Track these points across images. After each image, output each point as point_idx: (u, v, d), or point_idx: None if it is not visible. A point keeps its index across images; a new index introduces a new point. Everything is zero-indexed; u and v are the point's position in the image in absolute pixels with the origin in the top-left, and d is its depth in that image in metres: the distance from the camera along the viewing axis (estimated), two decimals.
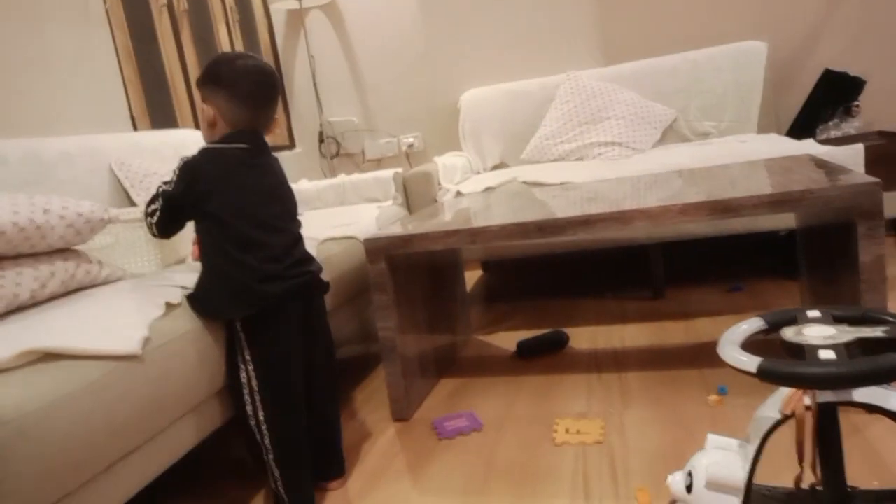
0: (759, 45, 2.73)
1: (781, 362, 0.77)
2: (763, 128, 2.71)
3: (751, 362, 0.79)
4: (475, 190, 2.45)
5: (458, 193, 2.47)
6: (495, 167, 3.06)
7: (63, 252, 1.30)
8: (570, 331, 2.10)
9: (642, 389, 1.64)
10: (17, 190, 1.52)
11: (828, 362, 0.75)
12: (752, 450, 0.85)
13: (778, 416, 0.81)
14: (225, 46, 3.00)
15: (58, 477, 0.90)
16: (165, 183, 1.28)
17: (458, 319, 2.17)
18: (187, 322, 1.20)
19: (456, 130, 3.16)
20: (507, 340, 2.14)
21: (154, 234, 1.31)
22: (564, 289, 2.71)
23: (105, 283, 1.38)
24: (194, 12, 2.80)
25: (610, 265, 2.96)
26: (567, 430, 1.48)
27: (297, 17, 3.37)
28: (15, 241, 1.17)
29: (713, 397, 1.52)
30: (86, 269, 1.33)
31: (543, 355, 1.99)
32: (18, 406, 0.86)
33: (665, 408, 1.52)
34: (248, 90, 1.27)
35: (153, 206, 1.28)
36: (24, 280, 1.19)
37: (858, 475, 1.14)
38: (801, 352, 0.79)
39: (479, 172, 3.04)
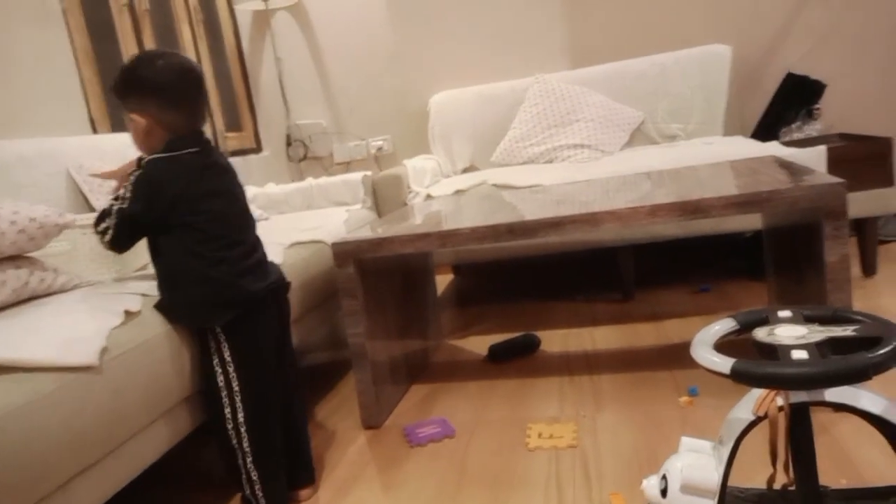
0: (724, 48, 2.77)
1: (755, 363, 0.76)
2: (729, 130, 2.75)
3: (724, 364, 0.78)
4: (445, 193, 2.43)
5: (428, 196, 2.46)
6: (465, 170, 3.05)
7: (15, 259, 1.24)
8: (541, 334, 2.09)
9: (614, 392, 1.64)
10: None
11: (801, 362, 0.75)
12: (725, 452, 0.85)
13: (751, 418, 0.81)
14: (188, 47, 2.94)
15: (11, 494, 0.85)
16: (116, 199, 1.20)
17: (429, 324, 2.15)
18: (147, 330, 1.16)
19: (425, 133, 3.14)
20: (478, 344, 2.13)
21: (109, 250, 1.25)
22: (535, 292, 2.70)
23: (61, 290, 1.33)
24: (156, 12, 2.73)
25: (580, 268, 2.97)
26: (540, 435, 1.47)
27: (262, 19, 3.32)
28: None
29: (684, 398, 1.53)
30: (40, 276, 1.27)
31: (515, 359, 1.98)
32: None
33: (637, 410, 1.52)
34: (180, 91, 1.21)
35: (104, 224, 1.21)
36: None
37: (827, 474, 1.14)
38: (773, 352, 0.79)
39: (448, 175, 3.03)
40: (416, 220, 1.84)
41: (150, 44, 2.66)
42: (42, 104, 2.11)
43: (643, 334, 2.02)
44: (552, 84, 2.88)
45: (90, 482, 1.02)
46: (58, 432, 0.93)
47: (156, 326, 1.17)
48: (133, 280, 1.39)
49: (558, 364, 1.89)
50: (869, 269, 2.23)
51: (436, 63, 3.22)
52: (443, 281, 3.12)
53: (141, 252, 1.53)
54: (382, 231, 1.67)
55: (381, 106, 3.33)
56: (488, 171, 2.80)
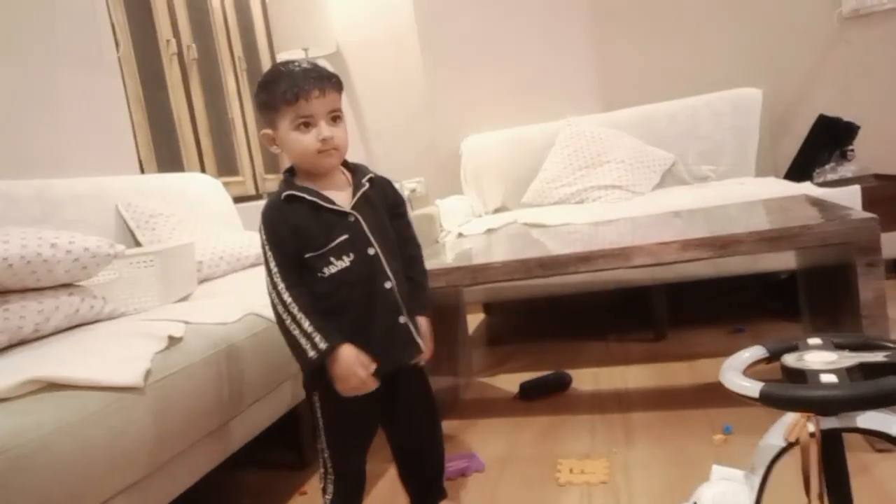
0: (755, 91, 2.79)
1: (783, 386, 0.77)
2: (761, 172, 2.75)
3: (753, 387, 0.79)
4: (477, 231, 2.47)
5: (460, 235, 2.50)
6: (497, 210, 3.09)
7: (68, 287, 1.31)
8: (572, 372, 2.09)
9: (647, 429, 1.62)
10: (27, 226, 1.54)
11: (830, 385, 0.75)
12: (757, 480, 0.84)
13: (782, 444, 0.80)
14: (232, 95, 3.08)
15: None
16: None
17: (459, 361, 2.16)
18: (190, 356, 1.20)
19: (458, 175, 3.20)
20: (509, 382, 2.12)
21: None
22: (567, 331, 2.70)
23: (109, 318, 1.39)
24: (203, 61, 2.88)
25: (612, 307, 2.96)
26: (571, 471, 1.46)
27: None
28: (21, 275, 1.18)
29: (719, 436, 1.50)
30: (90, 304, 1.34)
31: (546, 397, 1.97)
32: (17, 434, 0.86)
33: (670, 447, 1.50)
34: None
35: None
36: (27, 313, 1.19)
37: None
38: (802, 376, 0.79)
39: (480, 216, 3.07)
40: (448, 256, 1.87)
41: (196, 91, 2.80)
42: (94, 145, 2.23)
43: (676, 374, 2.00)
44: (583, 126, 2.93)
45: (131, 501, 1.05)
46: (103, 450, 0.97)
47: (198, 352, 1.22)
48: (174, 308, 1.44)
49: (590, 402, 1.87)
50: None
51: (468, 107, 3.31)
52: (474, 320, 3.13)
53: (182, 282, 1.60)
54: None
55: (415, 149, 3.42)
56: (519, 210, 2.84)
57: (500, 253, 1.74)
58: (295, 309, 1.06)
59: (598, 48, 3.11)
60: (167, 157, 2.58)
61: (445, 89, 3.34)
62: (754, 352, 0.91)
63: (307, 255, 1.09)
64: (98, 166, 2.19)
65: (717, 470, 0.91)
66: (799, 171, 2.74)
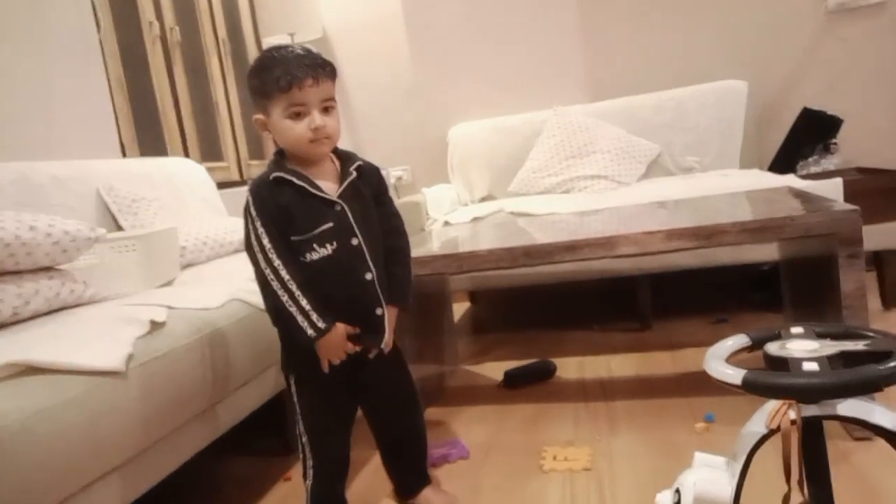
0: (741, 84, 2.81)
1: (766, 373, 0.77)
2: (745, 164, 2.77)
3: (735, 374, 0.79)
4: (463, 220, 2.46)
5: (446, 223, 2.49)
6: (483, 199, 3.09)
7: (48, 270, 1.29)
8: (557, 361, 2.10)
9: (630, 417, 1.64)
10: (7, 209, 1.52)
11: (811, 373, 0.76)
12: (738, 467, 0.85)
13: (763, 431, 0.81)
14: (217, 78, 3.04)
15: (35, 493, 0.88)
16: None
17: (445, 350, 2.16)
18: (172, 340, 1.19)
19: (444, 163, 3.19)
20: (494, 370, 2.13)
21: None
22: (552, 320, 2.71)
23: (90, 302, 1.37)
24: (187, 44, 2.83)
25: (597, 297, 2.97)
26: (555, 458, 1.47)
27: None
28: (1, 258, 1.16)
29: (700, 424, 1.52)
30: (70, 287, 1.32)
31: (531, 385, 1.98)
32: (0, 418, 0.85)
33: (653, 435, 1.51)
34: None
35: None
36: (5, 297, 1.17)
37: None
38: (784, 364, 0.80)
39: (466, 204, 3.07)
40: (434, 244, 1.87)
41: (180, 74, 2.76)
42: (76, 128, 2.19)
43: (660, 363, 2.01)
44: (570, 116, 2.93)
45: (113, 486, 1.04)
46: (83, 434, 0.96)
47: (181, 337, 1.21)
48: (157, 293, 1.43)
49: (574, 390, 1.89)
50: (888, 301, 2.21)
51: (455, 95, 3.29)
52: (459, 308, 3.13)
53: (165, 267, 1.58)
54: None
55: (402, 137, 3.40)
56: (506, 199, 2.84)
57: (486, 241, 1.74)
58: (293, 286, 1.06)
59: (586, 38, 3.10)
60: (150, 142, 2.54)
61: (433, 76, 3.32)
62: (737, 340, 0.92)
63: (293, 238, 1.09)
64: (80, 150, 2.15)
65: (699, 457, 0.91)
66: (783, 163, 2.77)
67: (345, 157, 1.19)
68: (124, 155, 2.38)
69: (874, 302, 2.19)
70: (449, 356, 2.19)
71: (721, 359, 0.86)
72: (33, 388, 0.92)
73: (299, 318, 1.07)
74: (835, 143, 2.70)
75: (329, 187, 1.13)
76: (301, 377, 1.18)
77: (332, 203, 1.11)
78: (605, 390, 1.85)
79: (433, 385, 1.99)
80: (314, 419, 1.18)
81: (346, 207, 1.12)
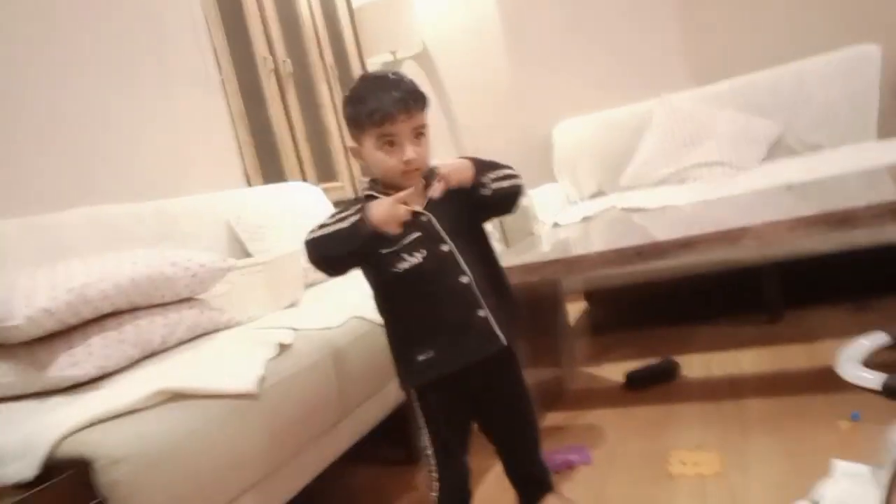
0: (873, 48, 2.56)
1: None
2: (884, 135, 2.53)
3: (875, 379, 0.74)
4: (573, 220, 2.43)
5: (556, 225, 2.47)
6: (593, 196, 3.03)
7: (188, 301, 1.42)
8: (681, 359, 2.01)
9: (763, 418, 1.54)
10: (150, 242, 1.69)
11: None
12: (886, 476, 0.79)
13: None
14: (327, 103, 3.19)
15: None
16: None
17: (561, 352, 2.14)
18: (300, 361, 1.27)
19: (550, 163, 3.16)
20: (615, 372, 2.08)
21: None
22: (673, 316, 2.60)
23: (226, 327, 1.49)
24: (298, 73, 3.00)
25: (720, 288, 2.82)
26: (683, 463, 1.42)
27: (392, 69, 3.53)
28: (148, 292, 1.29)
29: (845, 424, 1.41)
30: (209, 315, 1.44)
31: (654, 386, 1.92)
32: (151, 441, 0.94)
33: (789, 437, 1.42)
34: None
35: None
36: (155, 327, 1.30)
37: None
38: None
39: (575, 202, 3.02)
40: (544, 248, 1.86)
41: (293, 103, 2.92)
42: (204, 163, 2.38)
43: (794, 357, 1.88)
44: (678, 103, 2.81)
45: (253, 501, 1.12)
46: (226, 452, 1.05)
47: (307, 357, 1.28)
48: (284, 315, 1.53)
49: (700, 390, 1.81)
50: None
51: (556, 92, 3.25)
52: (574, 309, 3.09)
53: (290, 289, 1.68)
54: (510, 261, 1.70)
55: (505, 139, 3.40)
56: (617, 194, 2.77)
57: (596, 242, 1.71)
58: (318, 229, 1.09)
59: (685, 18, 2.96)
60: (270, 169, 2.71)
61: (533, 76, 3.30)
62: (875, 339, 0.85)
63: (382, 251, 1.13)
64: (208, 182, 2.34)
65: (837, 465, 0.85)
66: None
67: (428, 172, 1.21)
68: (249, 184, 2.56)
69: None
70: (566, 358, 2.17)
71: (856, 360, 0.80)
72: (182, 414, 1.02)
73: (342, 225, 1.07)
74: None
75: (416, 201, 1.16)
76: (421, 390, 1.21)
77: (418, 214, 1.15)
78: (734, 389, 1.75)
79: (552, 389, 1.98)
80: (435, 434, 1.21)
81: (432, 218, 1.15)
